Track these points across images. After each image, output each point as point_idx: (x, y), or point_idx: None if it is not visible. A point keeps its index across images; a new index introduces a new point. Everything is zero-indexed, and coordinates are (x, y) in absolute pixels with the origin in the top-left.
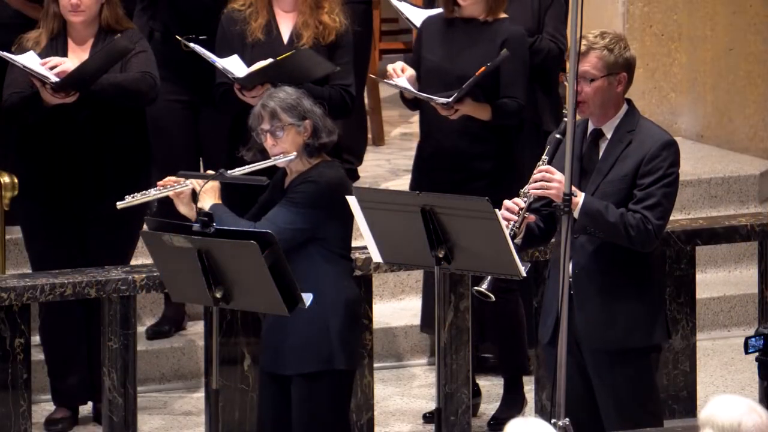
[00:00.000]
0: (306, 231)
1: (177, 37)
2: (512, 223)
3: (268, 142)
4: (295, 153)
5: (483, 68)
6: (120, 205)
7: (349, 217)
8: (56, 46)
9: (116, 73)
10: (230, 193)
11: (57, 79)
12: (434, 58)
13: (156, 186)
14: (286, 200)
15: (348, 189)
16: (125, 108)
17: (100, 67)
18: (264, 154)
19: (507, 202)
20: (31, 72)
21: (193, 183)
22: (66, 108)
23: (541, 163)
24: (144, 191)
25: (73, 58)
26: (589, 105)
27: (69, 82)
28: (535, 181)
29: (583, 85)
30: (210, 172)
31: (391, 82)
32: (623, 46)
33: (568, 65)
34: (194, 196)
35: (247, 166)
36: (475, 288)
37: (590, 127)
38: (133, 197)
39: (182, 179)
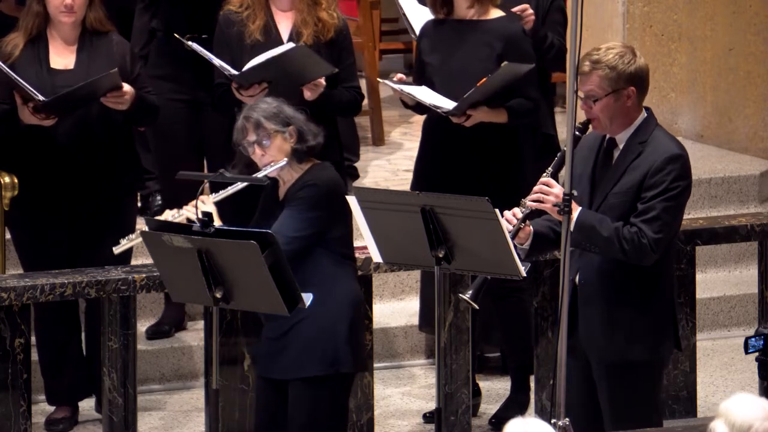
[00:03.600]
0: (314, 236)
1: (176, 35)
2: (509, 233)
3: (257, 154)
4: (285, 160)
5: (484, 79)
6: (117, 250)
7: (349, 216)
8: (37, 48)
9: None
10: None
11: (43, 98)
12: (435, 62)
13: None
14: (290, 209)
15: (344, 189)
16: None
17: (86, 96)
18: (250, 169)
19: (506, 213)
20: (20, 84)
21: (188, 213)
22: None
23: (545, 175)
24: (135, 233)
25: (59, 59)
26: (600, 121)
27: (56, 103)
28: (534, 193)
29: (590, 104)
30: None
31: (395, 86)
32: (627, 60)
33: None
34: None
35: (238, 182)
36: (460, 295)
37: (606, 136)
38: (128, 239)
39: (175, 212)
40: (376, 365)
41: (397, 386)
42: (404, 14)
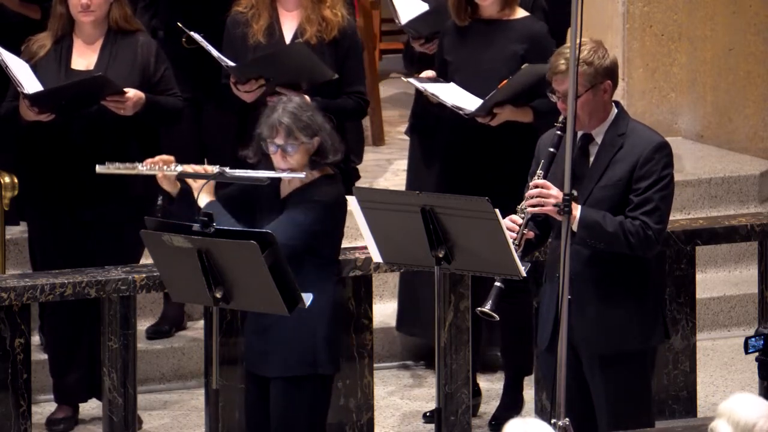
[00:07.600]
0: (306, 245)
1: (178, 24)
2: (512, 241)
3: (278, 157)
4: (304, 174)
5: (505, 81)
6: (99, 169)
7: (342, 225)
8: (61, 49)
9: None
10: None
11: (27, 91)
12: (456, 60)
13: (144, 162)
14: (290, 215)
15: (346, 204)
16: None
17: (76, 95)
18: (267, 159)
19: (505, 221)
20: (9, 74)
21: (188, 181)
22: (64, 114)
23: (536, 178)
24: (129, 163)
25: (80, 59)
26: (580, 119)
27: (41, 98)
28: (532, 197)
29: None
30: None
31: (419, 84)
32: (602, 54)
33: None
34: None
35: (251, 171)
36: (479, 309)
37: (579, 132)
38: (116, 166)
39: (172, 162)
40: (376, 365)
41: (397, 386)
42: (392, 8)
